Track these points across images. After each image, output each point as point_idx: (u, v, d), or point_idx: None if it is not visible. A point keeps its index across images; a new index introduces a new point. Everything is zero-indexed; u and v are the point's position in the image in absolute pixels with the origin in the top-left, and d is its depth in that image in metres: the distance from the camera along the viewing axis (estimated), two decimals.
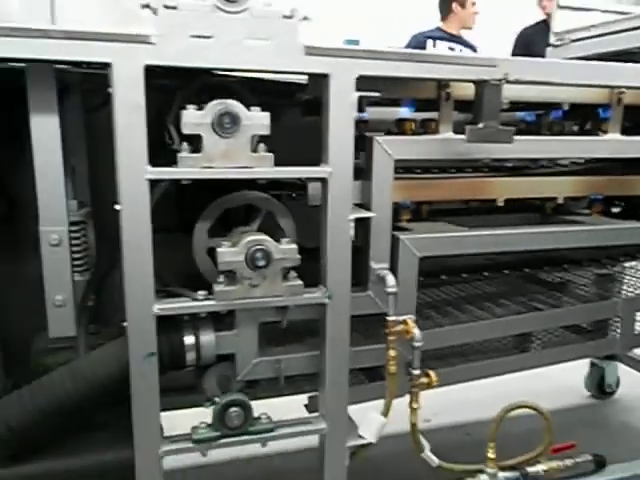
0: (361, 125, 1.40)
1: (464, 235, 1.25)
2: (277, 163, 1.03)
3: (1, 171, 1.23)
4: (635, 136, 1.34)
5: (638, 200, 1.48)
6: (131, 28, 0.98)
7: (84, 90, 1.30)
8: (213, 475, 1.71)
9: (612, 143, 1.32)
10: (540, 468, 1.33)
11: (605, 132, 1.35)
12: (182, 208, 1.21)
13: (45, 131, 1.04)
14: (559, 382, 2.29)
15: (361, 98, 1.08)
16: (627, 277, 1.60)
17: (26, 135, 1.04)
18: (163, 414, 1.07)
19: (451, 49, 3.31)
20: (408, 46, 3.41)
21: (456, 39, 3.41)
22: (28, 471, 1.05)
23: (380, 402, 1.21)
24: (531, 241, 1.30)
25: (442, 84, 1.21)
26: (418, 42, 3.36)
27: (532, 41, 3.24)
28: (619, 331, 1.52)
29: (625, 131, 1.36)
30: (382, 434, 1.20)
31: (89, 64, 0.97)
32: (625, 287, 1.58)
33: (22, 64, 1.00)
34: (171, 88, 1.13)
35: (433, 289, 1.49)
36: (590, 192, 1.39)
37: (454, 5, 3.34)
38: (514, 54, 3.27)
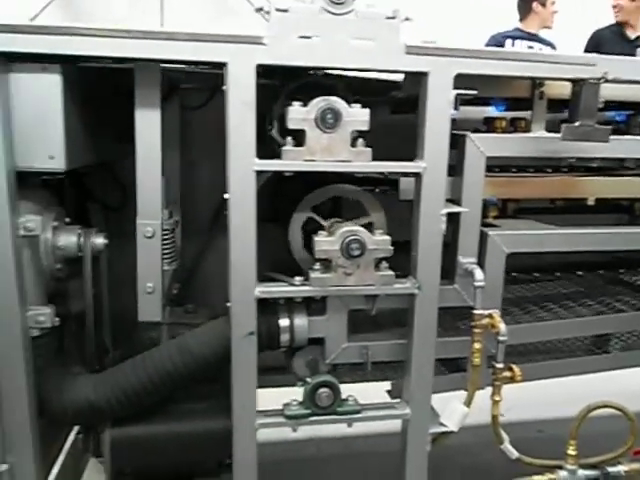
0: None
1: (551, 233, 1.25)
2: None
3: (118, 163, 1.34)
4: None
5: None
6: (237, 28, 1.05)
7: (185, 89, 1.41)
8: (296, 449, 1.79)
9: None
10: (621, 469, 1.32)
11: None
12: (281, 198, 1.27)
13: (148, 126, 1.13)
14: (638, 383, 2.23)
15: (457, 96, 1.11)
16: None
17: None
18: None
19: (530, 47, 3.26)
20: (487, 46, 3.38)
21: (535, 38, 3.36)
22: (138, 432, 1.16)
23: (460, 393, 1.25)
24: (619, 241, 1.28)
25: (537, 83, 1.22)
26: (497, 42, 3.32)
27: (602, 43, 3.18)
28: None
29: None
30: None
31: (206, 64, 1.05)
32: None
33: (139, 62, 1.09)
34: (273, 87, 1.20)
35: (516, 286, 1.50)
36: None
37: (535, 4, 3.30)
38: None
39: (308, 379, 1.15)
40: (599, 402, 1.30)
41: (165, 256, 1.25)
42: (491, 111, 1.44)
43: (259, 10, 1.02)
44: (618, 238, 1.27)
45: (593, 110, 1.13)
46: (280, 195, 1.38)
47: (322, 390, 1.14)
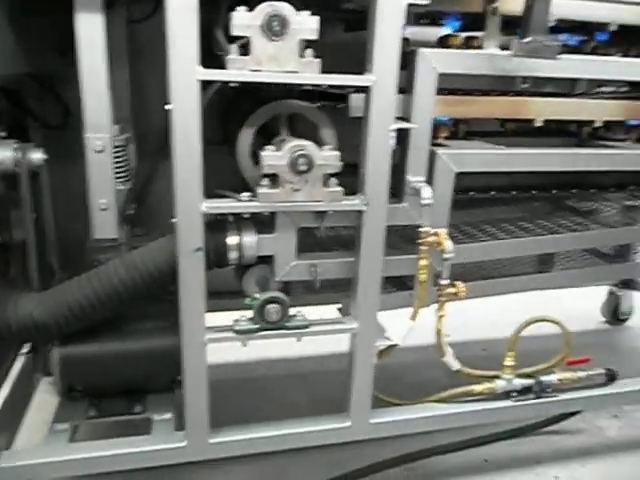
0: (403, 43, 1.40)
1: (500, 153, 1.27)
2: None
3: (57, 80, 1.26)
4: None
5: None
6: None
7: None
8: (246, 370, 1.84)
9: None
10: (554, 377, 1.41)
11: None
12: (228, 121, 1.24)
13: (90, 31, 1.07)
14: (577, 308, 2.37)
15: (409, 8, 1.08)
16: None
17: None
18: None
19: None
20: None
21: None
22: (87, 350, 1.17)
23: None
24: (564, 162, 1.31)
25: None
26: None
27: None
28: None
29: None
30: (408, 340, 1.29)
31: None
32: None
33: None
34: None
35: (460, 211, 1.53)
36: (629, 117, 1.39)
37: None
38: None
39: (257, 295, 1.16)
40: (536, 317, 1.36)
41: (118, 174, 1.21)
42: (445, 31, 1.41)
43: None
44: (560, 158, 1.29)
45: (544, 26, 1.12)
46: (230, 116, 1.34)
47: (271, 306, 1.16)
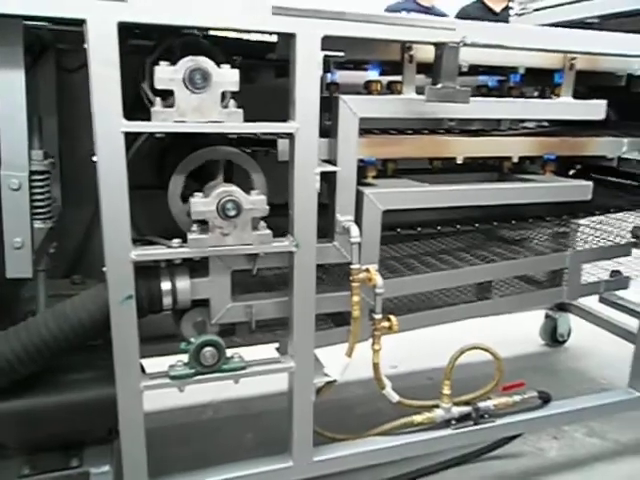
0: (332, 87, 1.47)
1: (423, 190, 1.33)
2: (252, 121, 1.08)
3: None
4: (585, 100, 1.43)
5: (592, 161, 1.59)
6: None
7: (61, 50, 1.35)
8: (193, 413, 1.82)
9: (563, 106, 1.41)
10: (491, 403, 1.46)
11: (558, 96, 1.43)
12: (160, 167, 1.26)
13: (10, 83, 1.07)
14: (519, 332, 2.47)
15: (327, 58, 1.14)
16: (577, 232, 1.72)
17: None
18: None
19: None
20: None
21: (430, 11, 3.56)
22: (19, 405, 1.14)
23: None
24: (484, 196, 1.39)
25: (406, 46, 1.27)
26: (392, 11, 3.45)
27: (470, 18, 3.33)
28: (566, 281, 1.65)
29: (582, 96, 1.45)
30: (347, 376, 1.31)
31: (63, 21, 1.01)
32: (574, 241, 1.70)
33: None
34: (147, 48, 1.18)
35: (398, 244, 1.58)
36: (543, 152, 1.48)
37: None
38: None
39: (192, 340, 1.17)
40: (469, 345, 1.42)
41: (37, 212, 1.19)
42: (371, 75, 1.49)
43: None
44: (480, 193, 1.37)
45: (454, 72, 1.20)
46: (165, 161, 1.37)
47: (207, 349, 1.16)
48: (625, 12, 1.62)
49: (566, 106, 1.41)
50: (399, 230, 1.53)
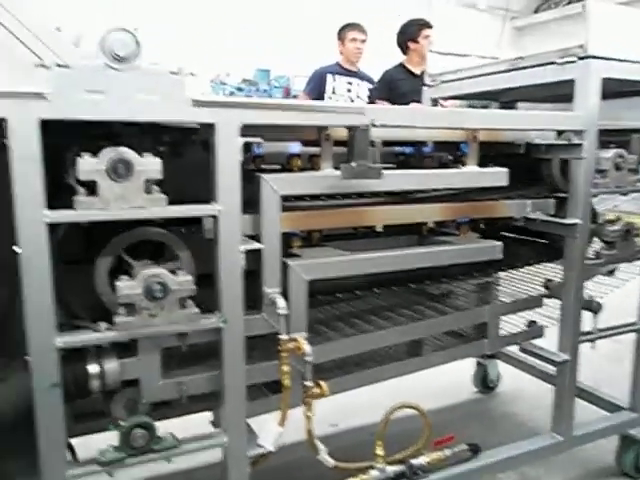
0: (257, 160, 1.54)
1: (346, 260, 1.41)
2: (183, 195, 1.14)
3: None
4: (488, 168, 1.57)
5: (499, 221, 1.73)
6: (27, 80, 1.06)
7: None
8: None
9: (470, 175, 1.54)
10: (423, 460, 1.51)
11: (464, 164, 1.56)
12: (90, 241, 1.27)
13: None
14: (454, 379, 2.55)
15: (247, 143, 1.22)
16: (494, 287, 1.84)
17: None
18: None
19: (349, 83, 3.76)
20: (311, 80, 3.84)
21: (353, 74, 3.81)
22: None
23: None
24: (402, 262, 1.48)
25: (322, 128, 1.37)
26: (320, 77, 3.74)
27: (393, 80, 3.60)
28: (487, 334, 1.75)
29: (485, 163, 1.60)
30: (291, 437, 1.33)
31: None
32: (492, 295, 1.81)
33: None
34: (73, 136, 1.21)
35: (327, 307, 1.64)
36: (455, 216, 1.60)
37: (339, 43, 3.81)
38: (378, 89, 3.70)
39: (121, 422, 1.16)
40: (397, 404, 1.47)
41: None
42: (293, 148, 1.58)
43: (40, 66, 1.04)
44: (396, 259, 1.46)
45: (365, 152, 1.30)
46: (94, 237, 1.38)
47: (137, 431, 1.16)
48: (518, 87, 1.80)
49: (472, 175, 1.54)
50: (322, 296, 1.60)
